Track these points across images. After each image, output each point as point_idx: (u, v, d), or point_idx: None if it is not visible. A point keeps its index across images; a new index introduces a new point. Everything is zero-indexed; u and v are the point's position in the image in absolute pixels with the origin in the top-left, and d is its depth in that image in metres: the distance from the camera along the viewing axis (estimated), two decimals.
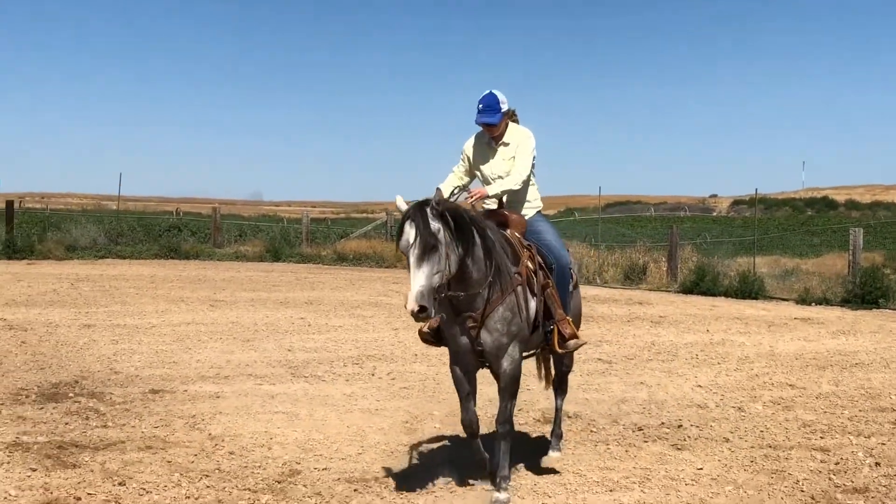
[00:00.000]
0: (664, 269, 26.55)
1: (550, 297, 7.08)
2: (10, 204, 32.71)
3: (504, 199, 7.41)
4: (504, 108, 7.28)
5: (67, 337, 13.56)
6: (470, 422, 6.90)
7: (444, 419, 9.18)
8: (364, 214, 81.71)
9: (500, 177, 7.35)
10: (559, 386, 8.09)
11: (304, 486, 7.01)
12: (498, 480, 6.73)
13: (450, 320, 6.69)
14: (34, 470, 7.09)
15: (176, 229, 36.53)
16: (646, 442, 8.52)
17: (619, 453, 8.11)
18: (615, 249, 30.01)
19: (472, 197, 7.08)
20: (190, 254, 31.51)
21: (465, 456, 7.31)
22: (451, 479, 7.16)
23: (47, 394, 9.73)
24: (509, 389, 6.81)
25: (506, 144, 7.39)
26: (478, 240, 6.49)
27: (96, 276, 23.61)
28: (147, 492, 6.72)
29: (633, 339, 15.11)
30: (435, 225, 6.20)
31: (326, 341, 13.95)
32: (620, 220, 52.77)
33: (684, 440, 8.60)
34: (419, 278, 6.08)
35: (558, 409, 8.06)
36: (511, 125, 7.43)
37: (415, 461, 7.75)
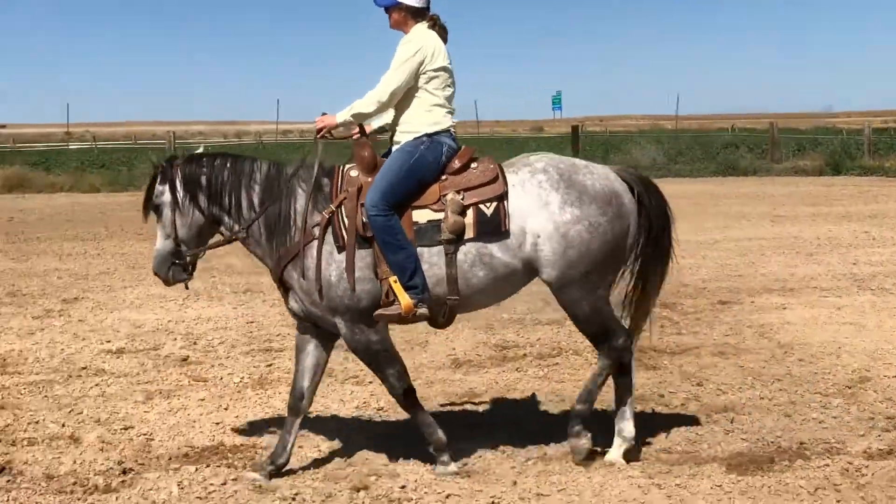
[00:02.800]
0: None
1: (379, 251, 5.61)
2: (575, 129, 34.97)
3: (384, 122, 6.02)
4: (410, 0, 5.80)
5: None
6: (293, 399, 5.92)
7: None
8: None
9: None
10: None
11: (875, 391, 7.18)
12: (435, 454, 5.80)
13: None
14: None
15: (732, 146, 36.59)
16: None
17: None
18: None
19: (317, 130, 5.89)
20: (748, 170, 31.33)
21: None
22: None
23: None
24: (371, 366, 5.87)
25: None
26: (227, 193, 5.80)
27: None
28: (723, 392, 7.29)
29: None
30: (159, 188, 5.89)
31: (892, 255, 13.58)
32: None
33: None
34: (155, 244, 5.97)
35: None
36: (416, 28, 5.85)
37: None
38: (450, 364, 8.24)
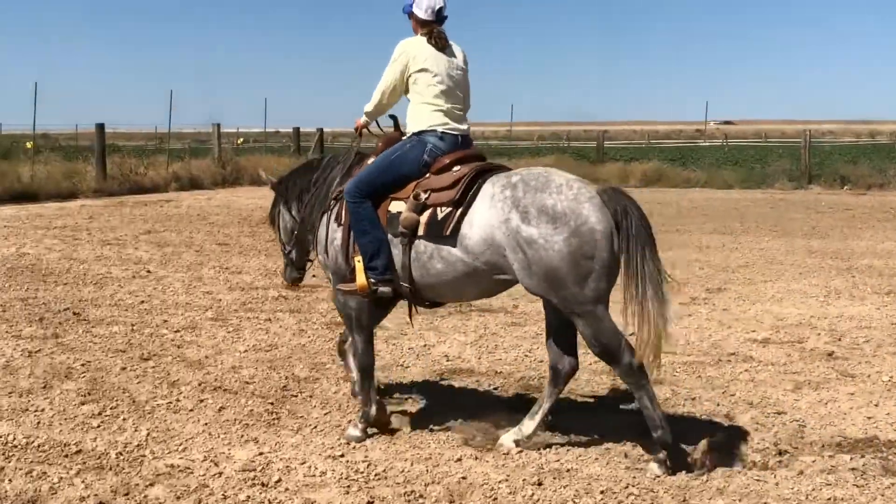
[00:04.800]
0: None
1: None
2: None
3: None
4: (418, 11, 6.42)
5: None
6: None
7: None
8: None
9: None
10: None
11: None
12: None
13: None
14: None
15: None
16: None
17: None
18: None
19: (356, 129, 6.77)
20: None
21: None
22: None
23: None
24: (347, 326, 6.76)
25: None
26: (298, 190, 6.98)
27: None
28: None
29: None
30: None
31: None
32: None
33: None
34: None
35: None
36: (417, 36, 6.46)
37: None
38: None
